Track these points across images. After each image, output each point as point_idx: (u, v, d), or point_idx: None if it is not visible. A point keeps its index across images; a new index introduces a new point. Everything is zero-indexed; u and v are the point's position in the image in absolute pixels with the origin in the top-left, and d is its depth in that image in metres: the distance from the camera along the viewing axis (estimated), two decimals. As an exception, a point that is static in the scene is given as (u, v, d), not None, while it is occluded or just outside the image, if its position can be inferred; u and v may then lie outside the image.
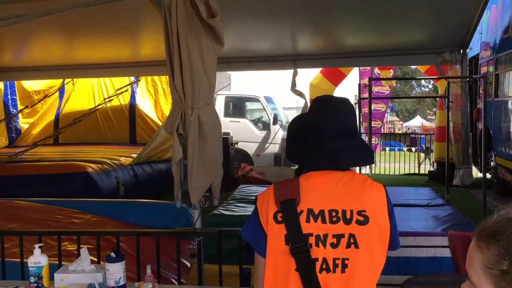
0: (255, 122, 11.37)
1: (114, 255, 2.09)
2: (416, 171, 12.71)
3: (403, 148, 16.48)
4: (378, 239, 1.58)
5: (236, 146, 9.62)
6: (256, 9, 6.99)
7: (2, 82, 10.32)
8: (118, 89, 10.13)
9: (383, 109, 17.00)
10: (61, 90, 10.96)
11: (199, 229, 2.86)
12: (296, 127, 1.77)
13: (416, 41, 7.84)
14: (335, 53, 8.47)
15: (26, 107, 10.39)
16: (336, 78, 10.21)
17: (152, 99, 10.46)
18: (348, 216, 1.58)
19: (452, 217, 5.89)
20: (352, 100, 11.96)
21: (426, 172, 11.38)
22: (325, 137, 1.64)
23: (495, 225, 1.05)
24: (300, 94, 8.86)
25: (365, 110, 16.42)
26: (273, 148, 10.93)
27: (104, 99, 10.23)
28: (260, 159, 10.89)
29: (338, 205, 1.59)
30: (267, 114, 11.13)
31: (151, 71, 9.49)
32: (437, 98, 10.80)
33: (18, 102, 10.73)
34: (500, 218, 1.05)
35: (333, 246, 1.57)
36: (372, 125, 17.58)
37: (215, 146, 2.58)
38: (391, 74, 13.66)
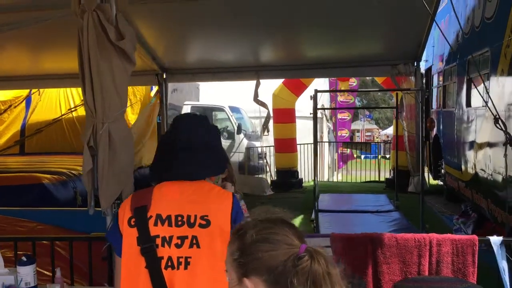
0: (221, 131, 11.54)
1: (25, 259, 2.34)
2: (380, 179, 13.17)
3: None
4: (219, 240, 1.79)
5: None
6: (221, 22, 7.29)
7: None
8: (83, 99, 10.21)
9: (349, 118, 17.48)
10: (28, 100, 10.98)
11: None
12: (158, 143, 2.11)
13: (373, 53, 8.26)
14: (296, 64, 8.82)
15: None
16: (298, 89, 10.54)
17: (119, 109, 10.59)
18: (192, 220, 1.82)
19: (396, 222, 6.31)
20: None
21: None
22: (173, 151, 1.93)
23: (241, 225, 1.30)
24: (262, 104, 9.18)
25: (339, 116, 16.86)
26: (238, 156, 11.17)
27: (69, 109, 10.31)
28: (225, 167, 11.10)
29: (184, 210, 1.84)
30: (232, 124, 11.39)
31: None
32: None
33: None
34: (249, 219, 1.30)
35: (177, 246, 1.81)
36: (340, 134, 18.05)
37: (125, 157, 2.82)
38: (354, 85, 14.13)
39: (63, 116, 10.21)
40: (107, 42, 2.60)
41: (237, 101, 11.90)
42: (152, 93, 9.53)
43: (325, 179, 14.42)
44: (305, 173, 11.56)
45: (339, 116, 17.43)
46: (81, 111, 10.55)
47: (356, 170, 14.49)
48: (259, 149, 11.57)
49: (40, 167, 7.59)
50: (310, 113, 7.07)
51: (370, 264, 3.05)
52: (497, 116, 3.73)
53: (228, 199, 1.88)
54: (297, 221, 7.26)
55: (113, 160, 2.69)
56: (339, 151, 17.21)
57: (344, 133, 17.97)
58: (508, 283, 3.07)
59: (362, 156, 17.07)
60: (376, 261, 3.07)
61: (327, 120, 17.77)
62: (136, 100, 10.42)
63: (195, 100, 12.86)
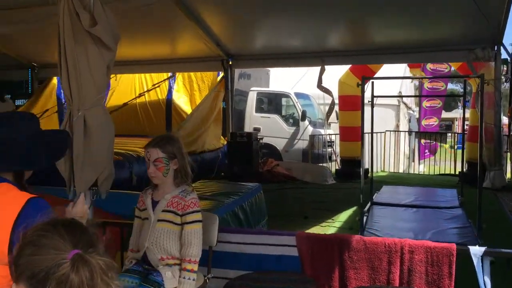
0: (286, 118, 11.52)
1: None
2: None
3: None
4: None
5: (261, 141, 9.82)
6: (287, 7, 7.21)
7: (55, 77, 11.16)
8: (154, 84, 10.67)
9: (439, 105, 16.32)
10: (107, 85, 11.65)
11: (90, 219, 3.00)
12: None
13: (448, 37, 7.71)
14: (363, 49, 8.50)
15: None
16: (365, 75, 10.03)
17: (188, 94, 10.90)
18: None
19: (454, 220, 5.86)
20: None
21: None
22: None
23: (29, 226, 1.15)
24: (326, 91, 8.96)
25: (427, 104, 15.83)
26: (302, 144, 11.03)
27: (140, 93, 10.80)
28: (288, 154, 11.04)
29: None
30: (297, 110, 11.25)
31: (186, 67, 9.91)
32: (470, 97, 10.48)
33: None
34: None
35: None
36: (428, 123, 17.12)
37: (101, 144, 2.74)
38: (447, 71, 13.23)
39: (133, 100, 10.72)
40: (83, 28, 2.59)
41: (306, 88, 11.72)
42: (218, 79, 9.65)
43: (401, 170, 13.78)
44: (373, 163, 11.14)
45: (427, 103, 16.29)
46: (153, 96, 11.01)
47: (440, 161, 13.68)
48: (327, 137, 11.35)
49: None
50: (368, 101, 6.75)
51: (336, 268, 2.75)
52: None
53: (13, 206, 1.58)
54: (347, 213, 7.04)
55: (89, 147, 2.68)
56: (422, 141, 16.24)
57: (433, 121, 16.86)
58: None
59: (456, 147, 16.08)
60: (343, 266, 2.77)
61: (408, 108, 16.91)
62: (205, 86, 10.64)
63: (265, 86, 12.87)
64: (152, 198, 2.41)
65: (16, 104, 11.30)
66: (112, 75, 11.34)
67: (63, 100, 11.38)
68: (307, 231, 6.26)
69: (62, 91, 11.29)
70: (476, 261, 2.62)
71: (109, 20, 2.62)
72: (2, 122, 1.72)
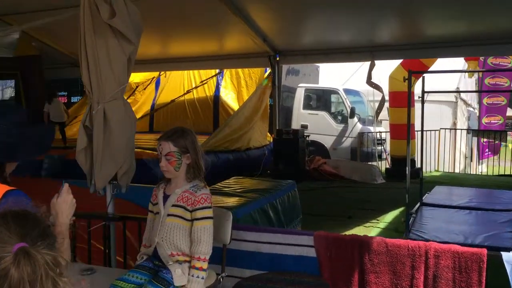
0: (334, 115, 11.26)
1: None
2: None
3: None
4: None
5: (308, 139, 9.64)
6: (335, 2, 7.03)
7: (107, 75, 11.54)
8: (202, 81, 10.77)
9: (503, 103, 15.35)
10: (157, 82, 11.92)
11: (110, 213, 2.93)
12: None
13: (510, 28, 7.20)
14: (415, 43, 8.13)
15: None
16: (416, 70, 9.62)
17: (235, 91, 10.91)
18: None
19: (509, 224, 5.46)
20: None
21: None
22: None
23: None
24: (376, 86, 8.66)
25: (488, 101, 14.95)
26: (350, 142, 10.73)
27: (187, 90, 10.93)
28: (336, 152, 10.77)
29: None
30: (346, 107, 10.94)
31: (233, 64, 9.93)
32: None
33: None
34: None
35: None
36: (490, 121, 16.20)
37: (122, 138, 2.67)
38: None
39: (181, 97, 10.87)
40: (103, 21, 2.55)
41: (357, 84, 11.40)
42: (266, 75, 9.57)
43: (457, 170, 13.11)
44: (426, 162, 10.66)
45: (488, 100, 15.36)
46: (201, 92, 11.11)
47: (504, 161, 12.89)
48: (377, 135, 10.98)
49: (151, 144, 8.13)
50: (419, 97, 6.42)
51: (356, 271, 2.55)
52: None
53: None
54: (394, 214, 6.74)
55: (109, 141, 2.64)
56: (482, 140, 15.34)
57: (497, 119, 15.86)
58: None
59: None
60: (363, 269, 2.55)
61: (467, 105, 16.06)
62: (252, 82, 10.60)
63: (314, 82, 12.64)
64: (164, 192, 2.36)
65: (72, 101, 11.79)
66: (162, 73, 11.72)
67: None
68: (350, 231, 6.07)
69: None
70: (509, 268, 2.35)
71: (131, 13, 2.58)
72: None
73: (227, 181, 4.06)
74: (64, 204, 1.66)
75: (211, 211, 2.23)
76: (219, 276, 2.33)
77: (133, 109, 10.78)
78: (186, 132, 2.37)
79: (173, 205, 2.27)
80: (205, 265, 2.18)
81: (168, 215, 2.25)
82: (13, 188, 1.63)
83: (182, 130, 2.37)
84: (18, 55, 9.75)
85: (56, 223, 1.63)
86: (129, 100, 11.83)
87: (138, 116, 11.77)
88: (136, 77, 11.86)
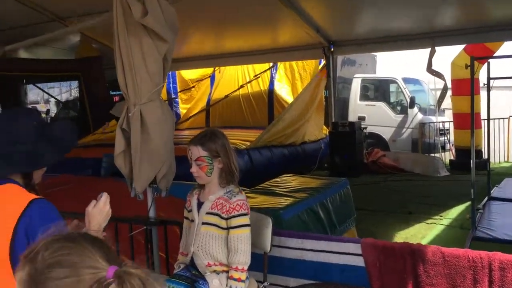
0: (393, 105, 10.80)
1: None
2: None
3: None
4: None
5: (365, 131, 9.32)
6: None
7: (166, 72, 11.74)
8: (256, 75, 10.69)
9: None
10: (212, 78, 11.98)
11: (151, 218, 2.89)
12: None
13: None
14: (479, 27, 7.60)
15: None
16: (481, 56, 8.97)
17: (289, 84, 10.74)
18: None
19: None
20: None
21: None
22: None
23: (33, 245, 1.00)
24: (437, 74, 8.20)
25: None
26: (411, 133, 10.25)
27: (241, 85, 10.90)
28: (396, 144, 10.34)
29: None
30: (405, 97, 10.46)
31: (287, 56, 9.77)
32: None
33: (178, 90, 12.10)
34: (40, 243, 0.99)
35: None
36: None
37: (159, 140, 2.57)
38: None
39: (235, 92, 10.87)
40: (136, 21, 2.46)
41: (417, 73, 10.88)
42: (320, 67, 9.35)
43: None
44: (494, 152, 10.00)
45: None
46: (256, 87, 11.04)
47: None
48: (440, 125, 10.43)
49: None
50: (484, 84, 6.00)
51: (410, 284, 2.32)
52: None
53: (14, 208, 1.48)
54: (459, 209, 6.35)
55: (146, 143, 2.58)
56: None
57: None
58: None
59: None
60: (418, 281, 2.31)
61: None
62: (306, 75, 10.39)
63: (371, 72, 12.20)
64: (198, 199, 2.27)
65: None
66: (216, 68, 11.78)
67: (172, 95, 11.95)
68: (410, 227, 5.78)
69: (171, 85, 11.97)
70: None
71: (164, 11, 2.50)
72: (2, 124, 1.65)
73: (275, 180, 3.94)
74: (99, 215, 1.61)
75: (247, 218, 2.12)
76: (261, 286, 2.22)
77: (189, 105, 11.08)
78: (216, 135, 2.25)
79: (207, 213, 2.18)
80: (243, 276, 2.08)
81: (203, 223, 2.17)
82: (38, 197, 1.59)
83: (212, 133, 2.26)
84: (80, 57, 10.14)
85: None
86: (185, 97, 12.15)
87: (194, 112, 11.91)
88: (192, 74, 12.00)
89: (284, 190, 3.50)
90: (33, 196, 1.56)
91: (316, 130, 9.38)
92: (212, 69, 11.82)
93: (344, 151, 8.58)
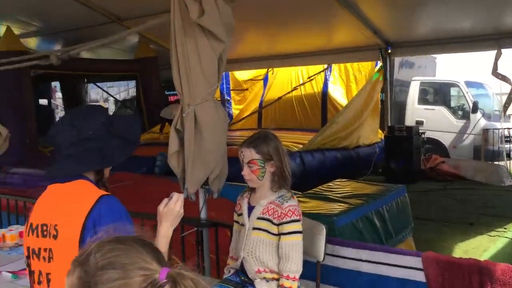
0: (454, 110, 10.31)
1: None
2: None
3: None
4: (69, 254, 1.41)
5: (423, 136, 8.95)
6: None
7: (218, 73, 11.84)
8: (309, 77, 10.56)
9: None
10: (265, 79, 11.95)
11: (203, 219, 2.85)
12: None
13: None
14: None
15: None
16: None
17: (344, 86, 10.52)
18: (50, 230, 1.56)
19: None
20: None
21: None
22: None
23: (84, 248, 1.00)
24: (503, 78, 7.78)
25: None
26: (473, 139, 9.74)
27: (294, 87, 10.79)
28: (456, 151, 9.85)
29: (46, 219, 1.58)
30: (467, 101, 9.96)
31: (341, 58, 9.59)
32: None
33: (231, 91, 12.17)
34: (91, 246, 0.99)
35: (44, 259, 1.57)
36: None
37: (212, 141, 2.50)
38: None
39: (288, 94, 10.78)
40: (192, 21, 2.41)
41: (481, 76, 10.35)
42: (376, 69, 9.09)
43: None
44: None
45: None
46: (309, 89, 10.90)
47: None
48: (505, 131, 9.85)
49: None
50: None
51: None
52: None
53: (85, 202, 1.54)
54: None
55: (200, 144, 2.52)
56: None
57: None
58: None
59: None
60: None
61: None
62: (362, 77, 10.15)
63: (431, 75, 11.73)
64: (248, 202, 2.20)
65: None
66: (269, 69, 11.74)
67: (226, 96, 12.01)
68: (471, 240, 5.46)
69: (224, 85, 12.04)
70: None
71: (221, 11, 2.45)
72: (71, 122, 1.68)
73: (328, 184, 3.81)
74: (170, 214, 1.59)
75: (299, 225, 2.02)
76: (313, 295, 2.12)
77: (242, 106, 11.09)
78: (270, 137, 2.16)
79: (258, 218, 2.10)
80: (294, 285, 1.98)
81: (253, 228, 2.09)
82: (108, 193, 1.63)
83: (265, 135, 2.17)
84: (138, 57, 10.42)
85: (157, 234, 1.59)
86: (238, 98, 12.18)
87: (247, 113, 11.92)
88: (245, 75, 12.03)
89: (338, 195, 3.37)
90: (102, 192, 1.61)
91: (371, 133, 9.13)
92: (265, 70, 11.81)
93: (401, 156, 8.31)
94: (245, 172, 2.11)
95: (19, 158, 8.47)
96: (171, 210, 1.58)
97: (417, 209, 6.49)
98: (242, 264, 2.12)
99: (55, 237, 1.55)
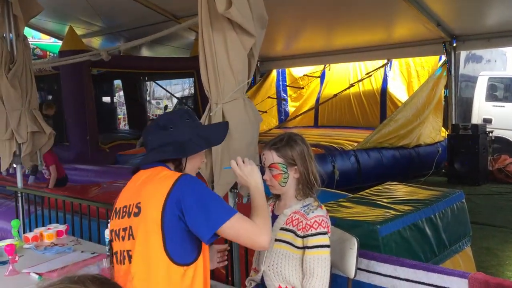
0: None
1: None
2: None
3: None
4: (151, 229, 1.59)
5: (491, 135, 8.34)
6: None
7: (275, 70, 11.69)
8: (368, 73, 10.16)
9: None
10: (322, 75, 11.65)
11: None
12: None
13: None
14: None
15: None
16: None
17: (405, 82, 10.03)
18: (130, 210, 1.67)
19: None
20: None
21: None
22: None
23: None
24: None
25: None
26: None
27: (351, 84, 10.43)
28: (528, 151, 9.12)
29: (128, 200, 1.70)
30: (542, 98, 9.18)
31: (402, 53, 9.19)
32: None
33: (288, 88, 11.98)
34: None
35: (122, 239, 1.69)
36: None
37: (241, 142, 2.29)
38: None
39: (346, 91, 10.45)
40: (220, 14, 2.24)
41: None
42: (440, 64, 8.60)
43: None
44: None
45: None
46: (368, 85, 10.49)
47: None
48: None
49: (313, 140, 7.86)
50: None
51: None
52: None
53: (166, 182, 1.63)
54: None
55: (228, 145, 2.34)
56: None
57: None
58: None
59: None
60: None
61: None
62: (424, 73, 9.63)
63: (501, 69, 10.92)
64: (272, 211, 2.02)
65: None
66: (326, 66, 11.44)
67: (282, 93, 11.84)
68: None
69: (280, 82, 11.86)
70: None
71: (251, 2, 2.28)
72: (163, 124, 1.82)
73: (377, 188, 3.55)
74: (245, 175, 1.81)
75: (327, 238, 1.82)
76: (343, 315, 1.92)
77: (299, 103, 10.90)
78: (295, 140, 1.96)
79: (281, 229, 1.91)
80: None
81: (276, 240, 1.91)
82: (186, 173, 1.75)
83: (290, 137, 1.96)
84: (194, 55, 10.49)
85: (251, 197, 1.76)
86: (294, 95, 11.97)
87: (303, 110, 11.69)
88: (302, 72, 11.81)
89: (386, 200, 3.11)
90: (181, 173, 1.73)
91: (433, 132, 8.64)
92: (322, 66, 11.52)
93: (465, 156, 7.81)
94: (267, 176, 1.93)
95: (79, 154, 8.78)
96: (243, 172, 1.80)
97: (481, 214, 6.03)
98: (262, 278, 1.95)
99: (136, 214, 1.65)
